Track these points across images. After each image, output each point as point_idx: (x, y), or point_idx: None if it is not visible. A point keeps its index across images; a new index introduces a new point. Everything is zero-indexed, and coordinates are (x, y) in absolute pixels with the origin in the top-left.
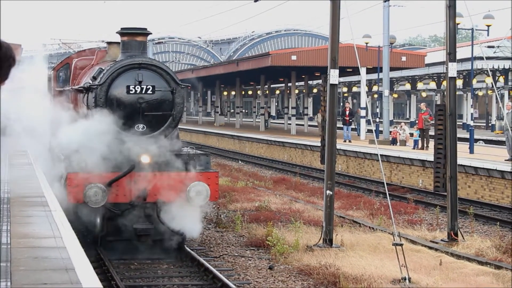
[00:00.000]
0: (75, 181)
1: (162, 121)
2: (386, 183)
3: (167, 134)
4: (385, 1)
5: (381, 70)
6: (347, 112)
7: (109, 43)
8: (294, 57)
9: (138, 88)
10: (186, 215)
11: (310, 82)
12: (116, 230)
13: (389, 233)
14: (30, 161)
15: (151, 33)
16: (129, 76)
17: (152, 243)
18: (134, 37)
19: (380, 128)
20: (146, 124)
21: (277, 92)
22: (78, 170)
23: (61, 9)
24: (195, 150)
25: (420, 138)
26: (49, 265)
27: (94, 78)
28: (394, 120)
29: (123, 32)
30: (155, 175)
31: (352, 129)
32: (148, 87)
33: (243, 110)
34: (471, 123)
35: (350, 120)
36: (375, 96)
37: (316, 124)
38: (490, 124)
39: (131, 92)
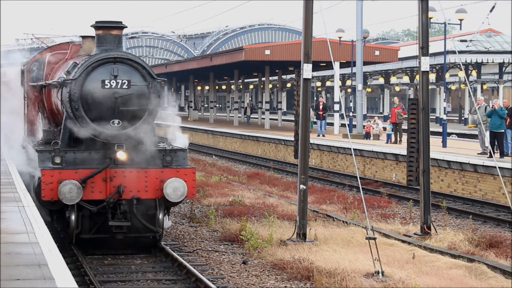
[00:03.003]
0: (49, 178)
1: (138, 116)
2: (360, 177)
3: (143, 129)
4: None
5: (354, 64)
6: (321, 107)
7: (83, 37)
8: (267, 52)
9: (113, 82)
10: (162, 211)
11: (283, 76)
12: (91, 227)
13: (362, 227)
14: (2, 156)
15: (126, 27)
16: (104, 70)
17: (127, 239)
18: (109, 30)
19: (354, 123)
20: (121, 119)
21: (251, 86)
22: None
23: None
24: (171, 145)
25: (393, 132)
26: (22, 261)
27: (68, 72)
28: (367, 114)
29: (98, 26)
30: (130, 172)
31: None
32: (123, 81)
33: (217, 105)
34: (444, 117)
35: (324, 115)
36: (349, 90)
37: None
38: (463, 118)
39: (106, 86)
